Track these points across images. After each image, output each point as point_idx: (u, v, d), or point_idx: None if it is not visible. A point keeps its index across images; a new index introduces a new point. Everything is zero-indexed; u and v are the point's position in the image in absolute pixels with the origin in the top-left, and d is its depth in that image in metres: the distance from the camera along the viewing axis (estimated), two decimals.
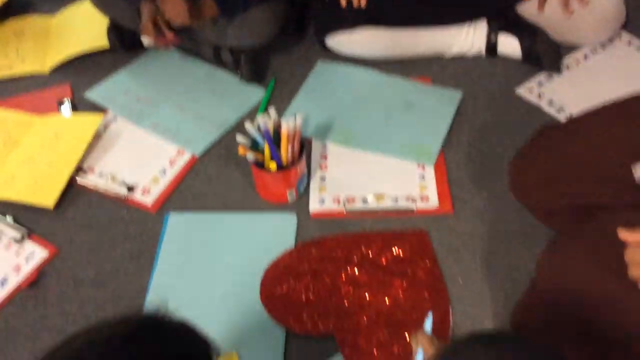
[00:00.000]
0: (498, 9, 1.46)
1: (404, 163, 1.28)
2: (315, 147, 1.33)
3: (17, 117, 1.40)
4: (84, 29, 1.59)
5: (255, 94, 1.45)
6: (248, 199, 1.25)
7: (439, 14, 1.44)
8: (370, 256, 1.11)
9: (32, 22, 1.69)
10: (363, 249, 1.12)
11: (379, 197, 1.23)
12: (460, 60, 1.51)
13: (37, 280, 1.14)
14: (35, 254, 1.18)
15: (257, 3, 1.38)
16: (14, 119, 1.40)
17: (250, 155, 1.16)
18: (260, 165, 1.19)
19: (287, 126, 1.16)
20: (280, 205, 1.23)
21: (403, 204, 1.21)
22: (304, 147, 1.21)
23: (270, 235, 1.18)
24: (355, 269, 1.08)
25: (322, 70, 1.51)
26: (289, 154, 1.18)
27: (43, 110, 1.43)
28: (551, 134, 1.10)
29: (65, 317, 1.09)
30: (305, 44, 1.60)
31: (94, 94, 1.47)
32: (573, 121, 1.10)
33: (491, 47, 1.47)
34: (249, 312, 1.05)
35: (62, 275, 1.15)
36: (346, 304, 1.04)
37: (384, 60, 1.50)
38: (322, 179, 1.28)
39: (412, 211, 1.20)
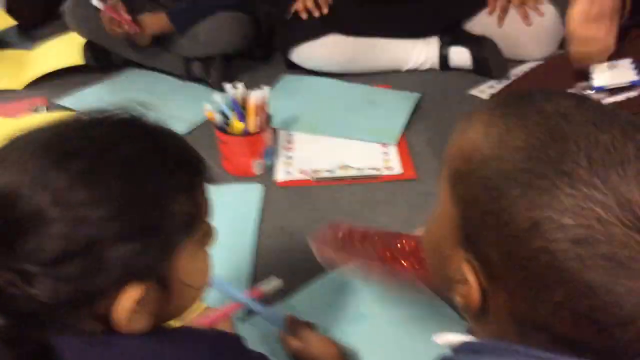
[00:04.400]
0: (448, 25, 1.60)
1: (368, 144, 1.33)
2: (282, 136, 1.38)
3: None
4: (59, 52, 1.67)
5: None
6: (216, 176, 1.27)
7: (394, 25, 1.57)
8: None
9: (8, 54, 1.77)
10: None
11: (344, 168, 1.26)
12: (416, 72, 1.63)
13: None
14: None
15: (208, 15, 1.51)
16: None
17: (218, 117, 1.20)
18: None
19: (254, 97, 1.22)
20: (247, 179, 1.25)
21: (368, 172, 1.24)
22: (270, 118, 1.26)
23: (237, 203, 1.18)
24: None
25: (288, 81, 1.60)
26: (257, 124, 1.22)
27: (19, 115, 1.46)
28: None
29: None
30: (271, 64, 1.71)
31: (67, 101, 1.51)
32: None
33: (443, 60, 1.60)
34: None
35: None
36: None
37: (346, 73, 1.60)
38: (289, 157, 1.31)
39: (375, 177, 1.23)
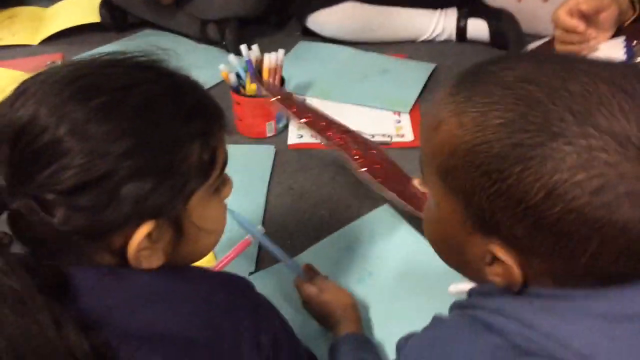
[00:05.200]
0: None
1: (381, 112, 1.33)
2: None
3: (10, 73, 1.44)
4: (76, 9, 1.68)
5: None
6: (228, 138, 1.27)
7: None
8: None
9: (26, 10, 1.78)
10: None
11: None
12: (432, 43, 1.61)
13: None
14: None
15: None
16: (8, 75, 1.44)
17: (233, 78, 1.20)
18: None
19: (269, 59, 1.21)
20: (259, 140, 1.25)
21: (379, 138, 1.24)
22: (284, 81, 1.26)
23: (249, 163, 1.19)
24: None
25: (304, 47, 1.60)
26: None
27: (35, 70, 1.46)
28: None
29: None
30: (286, 30, 1.71)
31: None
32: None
33: (461, 31, 1.58)
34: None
35: None
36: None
37: (361, 42, 1.59)
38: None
39: (387, 144, 1.23)
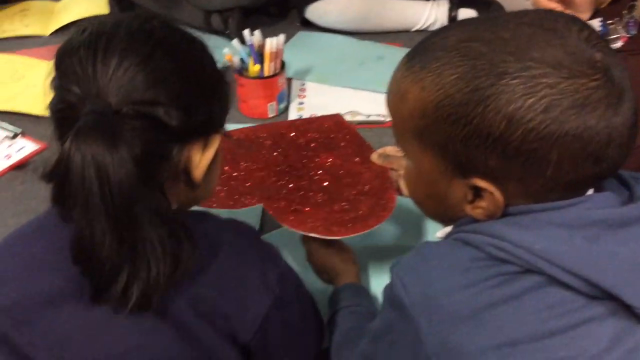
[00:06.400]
0: None
1: (377, 94, 1.41)
2: (295, 85, 1.46)
3: (24, 59, 1.52)
4: (85, 2, 1.75)
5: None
6: (231, 118, 1.35)
7: None
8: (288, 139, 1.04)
9: (37, 4, 1.85)
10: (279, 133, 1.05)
11: (353, 114, 1.33)
12: (425, 32, 1.67)
13: (25, 165, 1.20)
14: (26, 147, 1.25)
15: None
16: (21, 61, 1.51)
17: (236, 60, 1.28)
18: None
19: (270, 44, 1.29)
20: (261, 121, 1.33)
21: (375, 118, 1.32)
22: (284, 65, 1.33)
23: None
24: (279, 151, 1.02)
25: (302, 36, 1.68)
26: (271, 69, 1.30)
27: (48, 59, 1.54)
28: None
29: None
30: (286, 21, 1.78)
31: None
32: None
33: (452, 21, 1.66)
34: None
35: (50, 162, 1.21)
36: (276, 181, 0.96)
37: (357, 32, 1.67)
38: (301, 103, 1.39)
39: (382, 123, 1.31)
